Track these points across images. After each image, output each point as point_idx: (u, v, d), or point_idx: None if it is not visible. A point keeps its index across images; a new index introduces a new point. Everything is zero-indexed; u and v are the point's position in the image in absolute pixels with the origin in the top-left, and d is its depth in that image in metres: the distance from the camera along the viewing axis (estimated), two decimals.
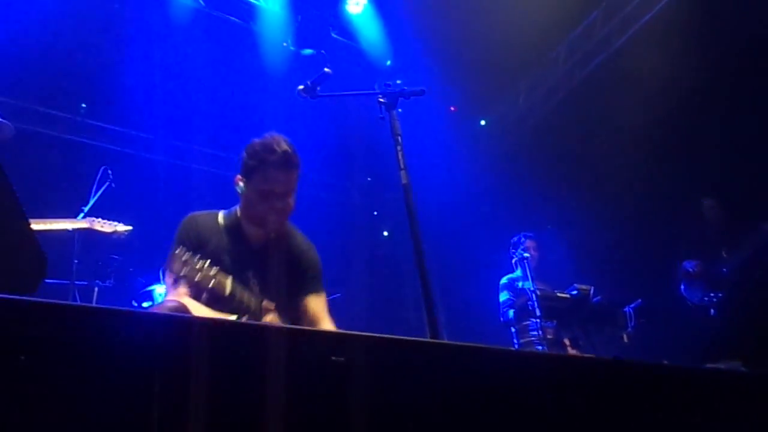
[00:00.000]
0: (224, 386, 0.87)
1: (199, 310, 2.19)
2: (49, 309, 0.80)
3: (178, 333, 0.87)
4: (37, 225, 3.03)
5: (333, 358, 0.90)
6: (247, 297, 2.29)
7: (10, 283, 0.91)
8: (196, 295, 2.24)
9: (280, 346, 0.88)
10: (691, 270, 5.02)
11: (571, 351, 4.84)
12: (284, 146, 2.46)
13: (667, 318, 5.16)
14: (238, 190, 2.51)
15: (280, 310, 2.35)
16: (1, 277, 0.90)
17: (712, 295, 4.89)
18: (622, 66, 6.62)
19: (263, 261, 2.45)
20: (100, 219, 3.38)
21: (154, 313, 0.99)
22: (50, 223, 3.08)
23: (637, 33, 6.55)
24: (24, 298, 0.79)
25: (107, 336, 0.82)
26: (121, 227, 3.41)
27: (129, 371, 0.82)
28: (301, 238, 2.67)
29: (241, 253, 2.44)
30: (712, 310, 4.86)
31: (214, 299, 2.23)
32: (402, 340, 1.07)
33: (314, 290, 2.55)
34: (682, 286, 5.05)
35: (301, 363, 0.91)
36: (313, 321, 2.45)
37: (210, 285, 2.17)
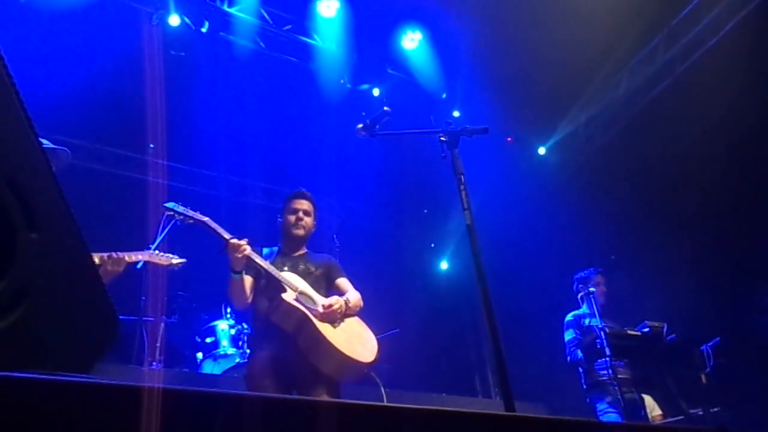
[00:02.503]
0: None
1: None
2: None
3: (230, 410, 0.83)
4: (99, 259, 3.12)
5: None
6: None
7: (77, 348, 0.89)
8: None
9: (338, 423, 0.82)
10: None
11: (646, 397, 4.56)
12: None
13: (747, 357, 4.81)
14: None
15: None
16: (63, 345, 0.89)
17: None
18: (685, 93, 6.39)
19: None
20: (158, 252, 3.48)
21: (207, 392, 0.96)
22: (95, 257, 3.18)
23: (700, 59, 6.32)
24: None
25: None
26: (176, 260, 3.52)
27: None
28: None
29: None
30: None
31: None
32: (476, 414, 1.00)
33: (341, 275, 3.54)
34: None
35: None
36: (344, 292, 3.43)
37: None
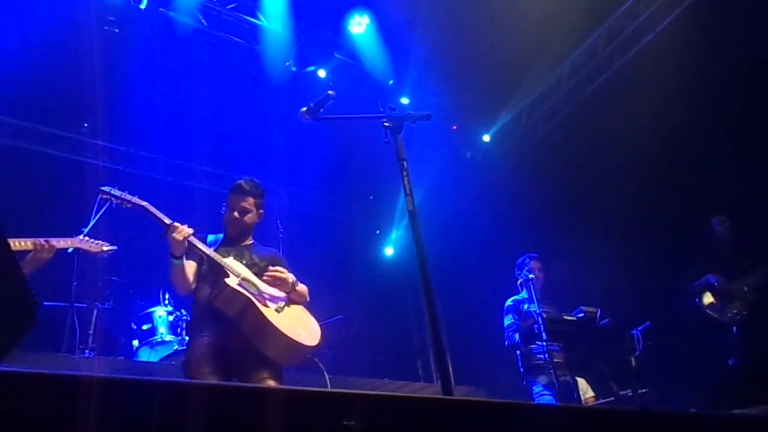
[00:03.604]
0: None
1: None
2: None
3: (173, 399, 0.80)
4: (19, 245, 2.98)
5: (344, 423, 0.83)
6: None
7: None
8: None
9: (284, 412, 0.81)
10: (716, 284, 4.89)
11: (580, 379, 4.74)
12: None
13: (675, 340, 5.07)
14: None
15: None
16: None
17: (735, 312, 4.74)
18: (624, 85, 6.62)
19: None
20: (88, 238, 3.35)
21: (147, 380, 0.91)
22: (24, 244, 3.04)
23: (639, 52, 6.56)
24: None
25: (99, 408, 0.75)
26: (107, 246, 3.40)
27: None
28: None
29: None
30: (734, 328, 4.73)
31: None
32: (419, 399, 1.01)
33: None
34: (701, 301, 4.88)
35: (305, 429, 0.83)
36: None
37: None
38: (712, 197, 5.37)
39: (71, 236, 3.46)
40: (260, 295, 3.15)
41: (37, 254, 3.04)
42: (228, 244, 3.41)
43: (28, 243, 3.05)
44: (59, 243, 3.15)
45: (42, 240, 3.07)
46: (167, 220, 3.10)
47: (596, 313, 4.62)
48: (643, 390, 4.56)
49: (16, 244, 3.03)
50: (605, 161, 6.39)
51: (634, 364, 4.53)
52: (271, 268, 3.28)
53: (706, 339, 4.90)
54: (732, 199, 5.26)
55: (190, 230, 3.10)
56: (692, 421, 1.20)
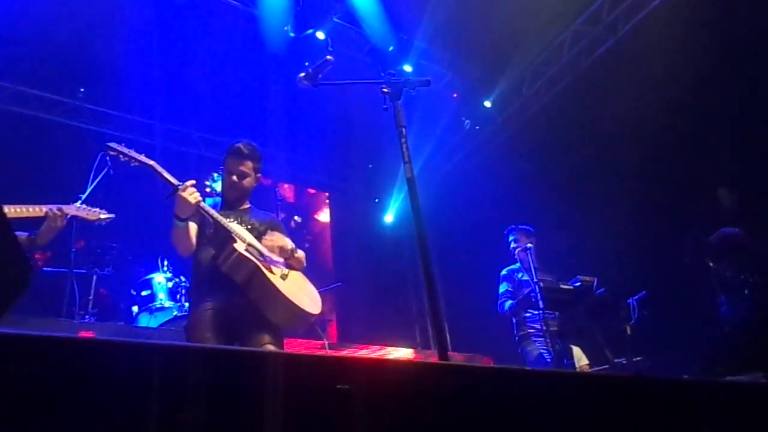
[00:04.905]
0: (222, 419, 0.80)
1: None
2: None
3: (171, 362, 0.80)
4: (22, 211, 2.97)
5: (338, 386, 0.83)
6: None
7: None
8: None
9: (281, 375, 0.81)
10: (738, 239, 4.71)
11: (575, 348, 4.79)
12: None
13: (671, 310, 5.11)
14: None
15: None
16: None
17: (748, 273, 4.48)
18: (627, 53, 6.52)
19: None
20: (85, 206, 3.32)
21: (147, 343, 0.91)
22: (36, 210, 3.02)
23: (644, 19, 6.45)
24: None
25: (95, 370, 0.75)
26: (104, 215, 3.37)
27: (121, 403, 0.76)
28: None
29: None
30: (746, 290, 4.59)
31: None
32: (411, 363, 1.01)
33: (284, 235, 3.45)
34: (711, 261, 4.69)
35: (303, 392, 0.84)
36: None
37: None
38: (714, 168, 5.35)
39: (68, 203, 3.44)
40: (264, 260, 3.16)
41: (51, 222, 3.04)
42: (227, 208, 3.40)
43: (39, 210, 3.04)
44: (70, 210, 3.14)
45: (55, 207, 3.06)
46: (175, 181, 3.07)
47: (593, 282, 4.64)
48: (638, 358, 4.62)
49: (29, 210, 3.02)
50: (607, 130, 6.34)
51: (629, 332, 4.58)
52: (267, 239, 3.25)
53: (702, 307, 4.93)
54: (734, 169, 5.23)
55: (198, 194, 3.08)
56: (684, 388, 1.22)
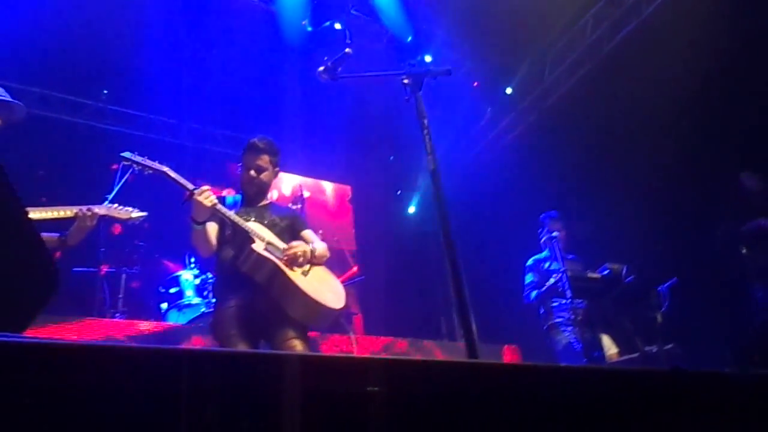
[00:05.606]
0: (243, 424, 0.78)
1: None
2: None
3: (190, 369, 0.79)
4: (52, 212, 3.01)
5: (368, 389, 0.81)
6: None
7: (12, 303, 0.83)
8: None
9: (307, 377, 0.80)
10: None
11: (603, 336, 4.72)
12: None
13: (703, 297, 5.00)
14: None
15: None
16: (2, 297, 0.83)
17: None
18: (652, 35, 6.36)
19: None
20: (116, 205, 3.35)
21: (146, 348, 0.91)
22: (66, 211, 3.05)
23: (666, 1, 6.28)
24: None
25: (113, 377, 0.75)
26: (136, 213, 3.38)
27: (131, 411, 0.75)
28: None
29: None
30: None
31: None
32: (443, 363, 0.99)
33: (305, 227, 3.49)
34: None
35: (333, 395, 0.82)
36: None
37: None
38: (742, 151, 5.20)
39: (95, 204, 3.47)
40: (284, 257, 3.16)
41: (80, 222, 3.07)
42: (247, 205, 3.41)
43: (69, 211, 3.07)
44: (101, 210, 3.17)
45: (85, 208, 3.10)
46: (190, 186, 3.09)
47: (622, 269, 4.56)
48: (669, 346, 4.52)
49: (59, 211, 3.05)
50: (631, 115, 6.21)
51: (659, 320, 4.48)
52: (287, 250, 3.18)
53: (735, 294, 4.82)
54: (762, 152, 5.08)
55: (214, 197, 3.09)
56: (726, 381, 1.17)
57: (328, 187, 9.25)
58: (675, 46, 5.80)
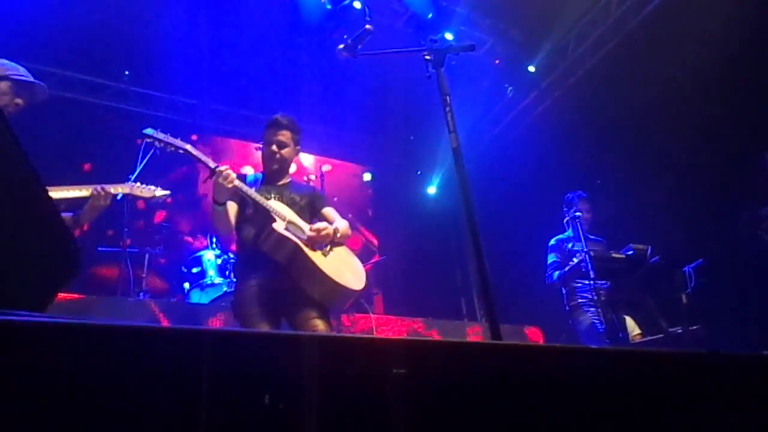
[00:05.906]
0: (261, 407, 0.77)
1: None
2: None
3: (193, 348, 0.77)
4: (69, 191, 3.02)
5: (394, 370, 0.79)
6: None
7: (33, 283, 0.83)
8: None
9: (332, 359, 0.78)
10: None
11: (627, 318, 4.66)
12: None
13: (729, 278, 4.90)
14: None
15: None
16: (20, 277, 0.83)
17: None
18: (678, 10, 6.17)
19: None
20: (139, 183, 3.36)
21: (164, 329, 0.89)
22: (82, 190, 3.06)
23: None
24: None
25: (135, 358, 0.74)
26: (160, 192, 3.38)
27: (155, 390, 0.74)
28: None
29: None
30: None
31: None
32: (466, 344, 0.97)
33: (326, 204, 3.48)
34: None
35: (350, 377, 0.80)
36: (331, 222, 3.34)
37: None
38: None
39: (119, 183, 3.48)
40: (306, 238, 3.15)
41: (94, 201, 3.08)
42: (268, 183, 3.40)
43: (85, 190, 3.09)
44: (115, 188, 3.18)
45: (99, 187, 3.11)
46: (212, 164, 3.08)
47: (646, 250, 4.48)
48: (694, 327, 4.45)
49: (75, 190, 3.07)
50: (657, 92, 6.05)
51: (684, 301, 4.40)
52: (311, 231, 3.16)
53: (762, 275, 4.70)
54: None
55: (235, 177, 3.08)
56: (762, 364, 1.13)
57: (346, 167, 9.22)
58: (701, 22, 5.61)
